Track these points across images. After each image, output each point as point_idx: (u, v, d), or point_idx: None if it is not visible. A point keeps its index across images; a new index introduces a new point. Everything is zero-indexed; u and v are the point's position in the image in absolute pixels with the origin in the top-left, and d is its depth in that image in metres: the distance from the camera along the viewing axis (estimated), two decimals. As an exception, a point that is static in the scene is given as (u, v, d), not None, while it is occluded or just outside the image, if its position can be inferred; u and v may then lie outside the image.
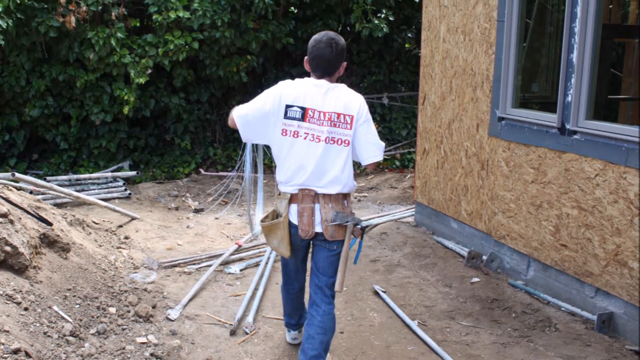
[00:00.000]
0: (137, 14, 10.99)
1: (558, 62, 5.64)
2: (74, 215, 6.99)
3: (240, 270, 6.75)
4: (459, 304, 5.94)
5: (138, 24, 10.88)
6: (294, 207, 4.17)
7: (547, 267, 5.95)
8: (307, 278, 4.56)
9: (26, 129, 10.56)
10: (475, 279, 6.40)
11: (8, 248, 4.73)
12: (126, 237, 7.44)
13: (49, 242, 5.55)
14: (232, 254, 7.09)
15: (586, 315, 5.46)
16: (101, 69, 10.13)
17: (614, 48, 9.53)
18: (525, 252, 6.20)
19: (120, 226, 8.04)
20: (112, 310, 5.22)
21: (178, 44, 10.06)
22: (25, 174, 9.85)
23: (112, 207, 8.36)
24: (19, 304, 4.46)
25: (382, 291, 6.17)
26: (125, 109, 10.15)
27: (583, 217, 5.43)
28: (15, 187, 7.27)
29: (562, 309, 5.68)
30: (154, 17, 10.05)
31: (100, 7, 9.71)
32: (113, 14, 9.88)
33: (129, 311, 5.33)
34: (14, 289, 4.57)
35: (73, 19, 9.44)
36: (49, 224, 5.76)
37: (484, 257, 6.71)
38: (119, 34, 9.84)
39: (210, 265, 6.75)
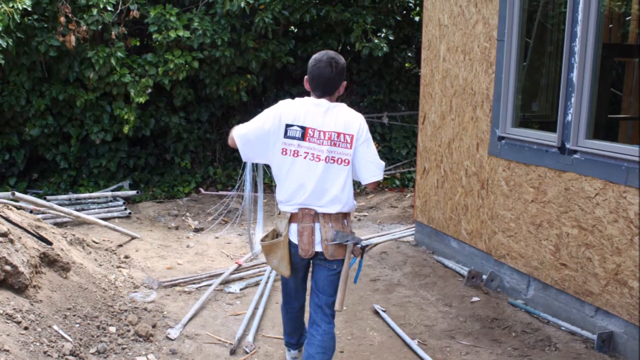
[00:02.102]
0: (137, 34, 11.03)
1: (558, 81, 5.67)
2: (74, 235, 6.99)
3: (240, 289, 6.74)
4: (459, 323, 5.93)
5: (138, 43, 10.92)
6: (294, 227, 4.17)
7: (547, 286, 5.94)
8: (307, 297, 4.55)
9: (26, 148, 10.57)
10: (476, 298, 6.39)
11: (8, 267, 4.73)
12: (126, 257, 7.44)
13: (49, 261, 5.55)
14: (232, 273, 7.08)
15: (586, 335, 5.44)
16: (101, 88, 10.14)
17: (614, 67, 9.56)
18: (525, 271, 6.19)
19: (120, 245, 8.04)
20: (112, 329, 5.21)
21: (178, 63, 10.08)
22: (25, 193, 9.84)
23: (112, 227, 8.36)
24: (19, 323, 4.45)
25: (382, 310, 6.16)
26: (125, 129, 10.17)
27: (583, 236, 5.43)
28: (16, 207, 7.27)
29: (562, 328, 5.67)
30: (154, 36, 10.08)
31: (100, 27, 9.75)
32: (113, 33, 9.92)
33: (129, 330, 5.32)
34: (14, 308, 4.56)
35: (73, 38, 9.48)
36: (49, 243, 5.76)
37: (484, 277, 6.70)
38: (119, 53, 9.87)
39: (210, 285, 6.74)
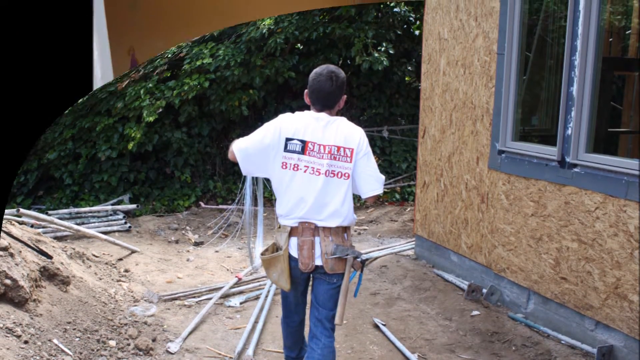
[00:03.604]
0: (173, 67, 11.12)
1: (558, 95, 5.68)
2: (74, 249, 6.99)
3: (240, 303, 6.73)
4: (459, 337, 5.92)
5: (169, 75, 11.00)
6: (294, 240, 4.16)
7: (547, 300, 5.93)
8: (307, 311, 4.55)
9: (40, 170, 10.63)
10: (476, 312, 6.38)
11: (8, 281, 4.73)
12: (126, 270, 7.43)
13: (49, 275, 5.55)
14: (232, 287, 7.08)
15: (586, 349, 5.43)
16: (122, 113, 10.21)
17: (614, 81, 9.56)
18: (525, 285, 6.18)
19: (120, 259, 8.03)
20: (112, 343, 5.20)
21: (192, 85, 10.15)
22: (29, 208, 9.87)
23: (112, 240, 8.36)
24: (18, 337, 4.45)
25: (382, 324, 6.15)
26: (130, 145, 10.20)
27: (583, 250, 5.43)
28: (17, 221, 7.29)
29: (562, 342, 5.66)
30: (184, 67, 10.17)
31: (151, 69, 9.84)
32: (156, 71, 10.00)
33: (129, 344, 5.31)
34: (14, 322, 4.56)
35: (126, 82, 9.54)
36: (49, 257, 5.76)
37: (484, 290, 6.70)
38: (149, 84, 9.94)
39: (210, 299, 6.74)
